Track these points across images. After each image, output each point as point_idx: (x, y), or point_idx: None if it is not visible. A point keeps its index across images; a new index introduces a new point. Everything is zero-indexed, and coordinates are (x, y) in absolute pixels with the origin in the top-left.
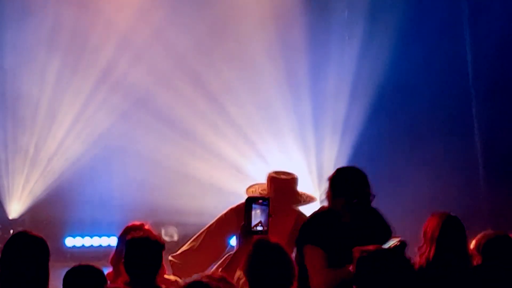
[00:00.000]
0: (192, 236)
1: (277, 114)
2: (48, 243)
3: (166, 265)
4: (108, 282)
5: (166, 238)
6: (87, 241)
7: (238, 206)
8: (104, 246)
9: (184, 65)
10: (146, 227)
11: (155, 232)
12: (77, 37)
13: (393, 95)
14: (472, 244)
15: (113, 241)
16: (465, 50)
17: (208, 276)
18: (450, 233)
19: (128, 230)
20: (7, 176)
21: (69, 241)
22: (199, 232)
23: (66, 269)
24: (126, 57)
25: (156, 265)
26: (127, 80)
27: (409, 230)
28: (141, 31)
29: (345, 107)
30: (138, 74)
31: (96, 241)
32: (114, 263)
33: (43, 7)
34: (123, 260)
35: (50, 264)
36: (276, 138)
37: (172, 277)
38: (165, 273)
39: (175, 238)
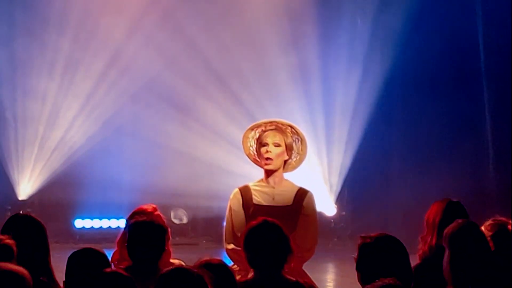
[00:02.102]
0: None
1: (287, 97)
2: (57, 225)
3: (171, 249)
4: (113, 264)
5: (176, 221)
6: (96, 223)
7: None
8: (113, 228)
9: (193, 48)
10: (155, 212)
11: (163, 217)
12: (87, 20)
13: (404, 78)
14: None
15: (122, 223)
16: (477, 29)
17: (206, 261)
18: (451, 219)
19: (136, 213)
20: (16, 158)
21: (78, 223)
22: (225, 230)
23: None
24: (135, 40)
25: (159, 250)
26: (136, 63)
27: (417, 213)
28: (151, 14)
29: (355, 89)
30: (148, 57)
31: (105, 223)
32: (120, 245)
33: None
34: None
35: (59, 245)
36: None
37: (176, 261)
38: (170, 255)
39: (184, 220)
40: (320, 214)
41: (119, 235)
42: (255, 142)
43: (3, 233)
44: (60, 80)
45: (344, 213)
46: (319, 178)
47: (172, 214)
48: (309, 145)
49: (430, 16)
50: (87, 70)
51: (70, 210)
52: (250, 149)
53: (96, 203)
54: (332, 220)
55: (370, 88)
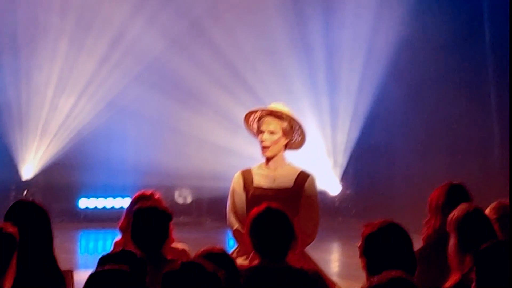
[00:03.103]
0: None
1: (291, 75)
2: (62, 205)
3: (174, 234)
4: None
5: (180, 200)
6: (101, 203)
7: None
8: (117, 208)
9: (197, 29)
10: (156, 196)
11: (164, 202)
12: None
13: (408, 59)
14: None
15: (126, 202)
16: (482, 12)
17: (208, 251)
18: (454, 200)
19: (138, 199)
20: (20, 138)
21: (83, 203)
22: (228, 212)
23: (79, 231)
24: (139, 21)
25: (163, 236)
26: (140, 43)
27: (422, 191)
28: None
29: (360, 70)
30: (151, 38)
31: (109, 203)
32: (123, 230)
33: None
34: (130, 229)
35: (63, 225)
36: (290, 102)
37: (179, 246)
38: (172, 242)
39: (189, 200)
40: (325, 193)
41: (122, 219)
42: (256, 126)
43: (6, 220)
44: (64, 61)
45: (349, 191)
46: (323, 157)
47: (176, 193)
48: (314, 123)
49: None
50: (90, 51)
51: (74, 190)
52: (254, 131)
53: (100, 182)
54: (336, 199)
55: (375, 64)
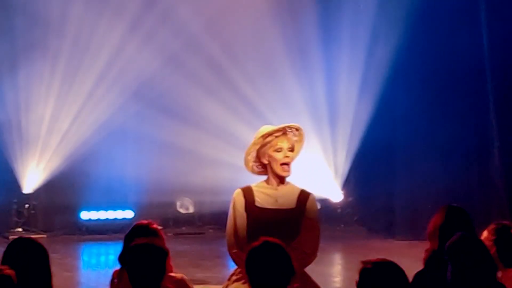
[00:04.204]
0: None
1: (291, 89)
2: (64, 217)
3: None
4: (115, 280)
5: (182, 210)
6: (102, 214)
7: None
8: (119, 219)
9: (195, 44)
10: (153, 226)
11: (162, 233)
12: (87, 19)
13: (407, 72)
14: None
15: (128, 214)
16: (481, 21)
17: None
18: (453, 222)
19: (134, 231)
20: (21, 151)
21: (84, 215)
22: (227, 233)
23: (81, 243)
24: (136, 38)
25: (160, 273)
26: (137, 61)
27: (423, 198)
28: (152, 11)
29: (360, 74)
30: (148, 54)
31: (111, 214)
32: (123, 261)
33: None
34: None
35: (66, 238)
36: (289, 112)
37: (178, 275)
38: (171, 271)
39: (191, 210)
40: (327, 201)
41: (121, 250)
42: (259, 148)
43: (4, 257)
44: (64, 75)
45: (350, 198)
46: (324, 164)
47: (178, 203)
48: (314, 130)
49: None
50: (90, 66)
51: (76, 202)
52: (250, 160)
53: (102, 195)
54: (338, 207)
55: (375, 72)
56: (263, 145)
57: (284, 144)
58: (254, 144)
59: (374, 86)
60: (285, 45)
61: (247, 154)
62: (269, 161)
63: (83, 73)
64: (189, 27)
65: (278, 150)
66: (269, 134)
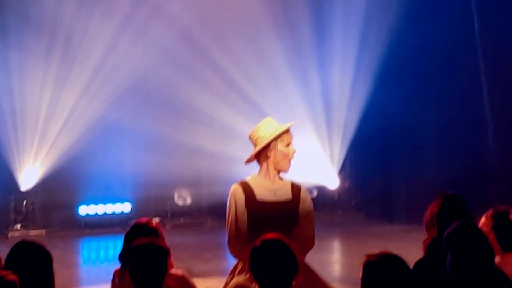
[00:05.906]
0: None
1: (286, 76)
2: (62, 212)
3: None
4: (116, 279)
5: (179, 202)
6: (100, 209)
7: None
8: (118, 213)
9: (188, 38)
10: (153, 224)
11: (161, 230)
12: (79, 16)
13: (400, 59)
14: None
15: (126, 207)
16: (471, 8)
17: None
18: (450, 210)
19: (135, 230)
20: (17, 148)
21: (83, 210)
22: (228, 229)
23: (80, 238)
24: (130, 32)
25: (162, 273)
26: (131, 56)
27: (419, 183)
28: (144, 5)
29: (354, 66)
30: (142, 49)
31: (109, 208)
32: (123, 260)
33: None
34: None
35: (65, 233)
36: (284, 100)
37: (179, 272)
38: (171, 268)
39: (188, 201)
40: (323, 188)
41: (121, 249)
42: (277, 141)
43: (7, 260)
44: (58, 72)
45: (347, 184)
46: (320, 152)
47: (176, 195)
48: (309, 117)
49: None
50: (84, 62)
51: (74, 197)
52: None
53: (99, 189)
54: (335, 193)
55: (370, 60)
56: (275, 138)
57: (292, 140)
58: (273, 136)
59: (369, 73)
60: (279, 36)
61: (264, 143)
62: (274, 154)
63: (78, 70)
64: (182, 21)
65: (288, 146)
66: (288, 129)
